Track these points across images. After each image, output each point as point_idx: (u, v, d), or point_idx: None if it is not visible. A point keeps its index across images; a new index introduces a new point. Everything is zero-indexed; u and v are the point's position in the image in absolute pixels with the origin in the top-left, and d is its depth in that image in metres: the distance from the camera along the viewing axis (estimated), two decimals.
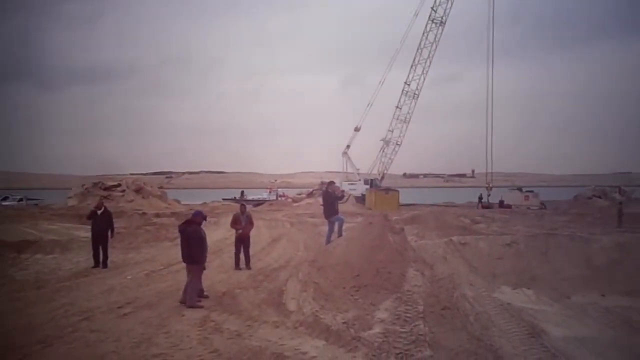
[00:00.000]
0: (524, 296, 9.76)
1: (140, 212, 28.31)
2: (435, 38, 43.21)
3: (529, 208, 39.80)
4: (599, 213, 32.59)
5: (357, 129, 47.71)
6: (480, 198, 43.90)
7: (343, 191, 17.00)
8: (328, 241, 12.52)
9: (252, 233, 13.34)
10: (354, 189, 45.44)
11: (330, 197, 12.92)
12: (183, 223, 9.15)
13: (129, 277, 11.33)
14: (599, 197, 44.16)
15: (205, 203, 41.22)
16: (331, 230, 12.80)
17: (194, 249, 8.77)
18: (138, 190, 36.74)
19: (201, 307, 8.43)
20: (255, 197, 49.55)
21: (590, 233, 16.38)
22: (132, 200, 34.35)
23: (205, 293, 9.20)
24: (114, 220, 13.67)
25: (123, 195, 35.26)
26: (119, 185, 37.61)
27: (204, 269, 9.29)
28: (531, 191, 45.93)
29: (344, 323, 7.38)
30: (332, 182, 14.01)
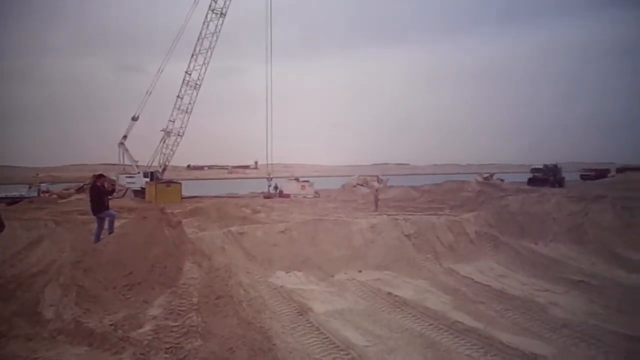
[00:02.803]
0: (296, 278, 10.57)
1: None
2: (216, 29, 42.97)
3: (305, 197, 42.96)
4: (362, 199, 37.19)
5: (134, 119, 44.71)
6: (276, 187, 45.71)
7: (114, 185, 15.79)
8: (97, 239, 11.50)
9: (2, 236, 11.46)
10: (133, 183, 42.72)
11: (99, 192, 11.89)
12: None
13: None
14: (362, 185, 50.36)
15: None
16: (100, 227, 11.82)
17: None
18: None
19: None
20: (10, 194, 42.40)
21: (353, 217, 18.58)
22: None
23: None
24: None
25: None
26: None
27: None
28: (307, 181, 49.51)
29: (111, 325, 6.90)
30: (101, 175, 12.85)
